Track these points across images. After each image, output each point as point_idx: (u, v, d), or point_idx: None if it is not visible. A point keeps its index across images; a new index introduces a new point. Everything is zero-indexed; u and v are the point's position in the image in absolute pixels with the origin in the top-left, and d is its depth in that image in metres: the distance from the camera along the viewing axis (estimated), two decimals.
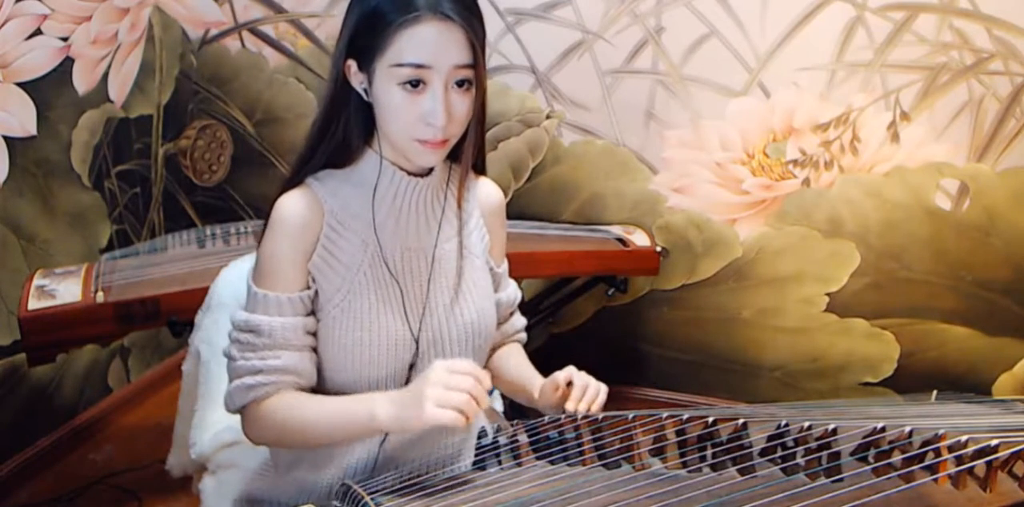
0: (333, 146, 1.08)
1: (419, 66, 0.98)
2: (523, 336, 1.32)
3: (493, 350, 1.27)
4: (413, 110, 1.00)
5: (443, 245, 1.13)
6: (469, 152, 1.08)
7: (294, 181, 1.09)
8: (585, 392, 1.09)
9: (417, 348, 1.10)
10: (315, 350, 1.09)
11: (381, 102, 1.02)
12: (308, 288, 1.07)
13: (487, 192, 1.21)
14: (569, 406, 1.08)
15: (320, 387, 1.12)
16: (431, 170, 1.11)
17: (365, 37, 1.00)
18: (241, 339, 1.06)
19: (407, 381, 1.11)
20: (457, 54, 0.98)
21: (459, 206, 1.14)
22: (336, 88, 1.06)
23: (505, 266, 1.26)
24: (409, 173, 1.09)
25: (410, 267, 1.11)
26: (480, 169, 1.20)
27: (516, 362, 1.26)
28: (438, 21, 0.97)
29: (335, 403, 1.05)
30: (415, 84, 0.99)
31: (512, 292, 1.28)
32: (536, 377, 1.20)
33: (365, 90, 1.04)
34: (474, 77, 1.01)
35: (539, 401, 1.15)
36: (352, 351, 1.07)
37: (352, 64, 1.04)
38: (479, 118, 1.08)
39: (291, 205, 1.07)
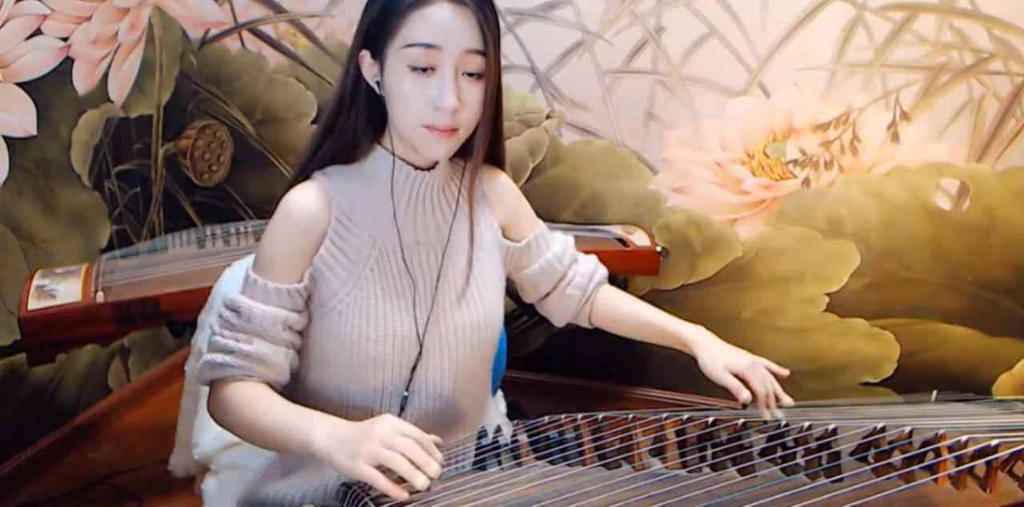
0: (342, 141, 1.09)
1: (429, 46, 0.99)
2: (604, 273, 1.37)
3: (559, 302, 1.34)
4: (422, 95, 1.00)
5: (454, 240, 1.14)
6: (480, 148, 1.07)
7: (301, 176, 1.10)
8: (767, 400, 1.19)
9: (421, 344, 1.11)
10: (297, 349, 1.10)
11: (391, 89, 1.02)
12: (300, 282, 1.07)
13: (489, 177, 1.21)
14: (764, 413, 1.16)
15: (318, 390, 1.12)
16: (436, 164, 1.11)
17: (379, 24, 1.02)
18: (223, 316, 1.08)
19: (409, 382, 1.11)
20: (468, 38, 0.99)
21: (469, 201, 1.14)
22: (349, 81, 1.07)
23: (539, 229, 1.29)
24: (416, 168, 1.09)
25: (420, 262, 1.12)
26: (499, 162, 1.21)
27: (636, 305, 1.39)
28: (450, 3, 0.99)
29: (284, 412, 1.01)
30: (425, 69, 0.99)
31: (560, 245, 1.31)
32: (688, 328, 1.30)
33: (377, 82, 1.04)
34: (485, 67, 1.01)
35: (706, 369, 1.23)
36: (356, 346, 1.08)
37: (366, 55, 1.04)
38: (493, 116, 1.08)
39: (301, 199, 1.07)
